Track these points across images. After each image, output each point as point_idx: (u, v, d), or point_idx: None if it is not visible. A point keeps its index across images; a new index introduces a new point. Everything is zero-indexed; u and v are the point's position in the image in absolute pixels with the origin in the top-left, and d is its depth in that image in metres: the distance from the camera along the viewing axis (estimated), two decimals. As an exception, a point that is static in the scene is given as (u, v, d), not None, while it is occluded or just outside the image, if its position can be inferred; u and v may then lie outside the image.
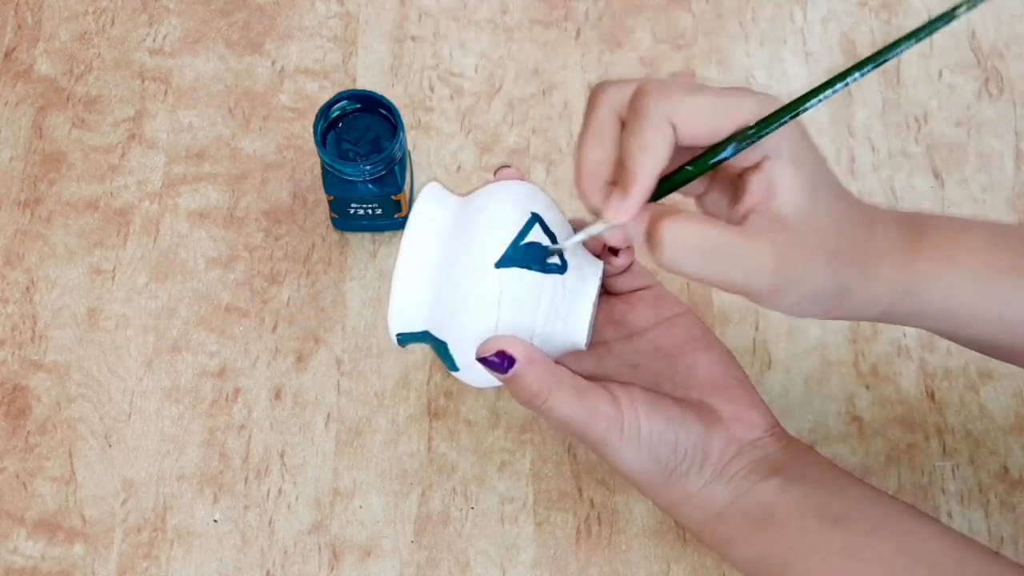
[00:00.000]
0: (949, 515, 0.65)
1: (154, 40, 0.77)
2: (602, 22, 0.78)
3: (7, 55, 0.77)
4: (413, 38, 0.78)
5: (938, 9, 0.79)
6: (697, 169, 0.48)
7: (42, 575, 0.64)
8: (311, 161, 0.74)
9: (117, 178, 0.73)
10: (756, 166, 0.47)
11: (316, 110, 0.67)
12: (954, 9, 0.45)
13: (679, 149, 0.47)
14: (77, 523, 0.65)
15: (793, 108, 0.46)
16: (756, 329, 0.70)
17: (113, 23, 0.78)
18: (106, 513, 0.65)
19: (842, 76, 0.46)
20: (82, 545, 0.64)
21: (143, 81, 0.76)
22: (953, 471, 0.67)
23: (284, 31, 0.78)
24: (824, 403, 0.68)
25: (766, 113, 0.47)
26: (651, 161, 0.46)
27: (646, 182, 0.47)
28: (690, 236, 0.46)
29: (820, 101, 0.47)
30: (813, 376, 0.69)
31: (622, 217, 0.47)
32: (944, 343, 0.69)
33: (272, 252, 0.71)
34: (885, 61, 0.47)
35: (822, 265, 0.48)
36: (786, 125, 0.47)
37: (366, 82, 0.76)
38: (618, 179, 0.48)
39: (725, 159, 0.47)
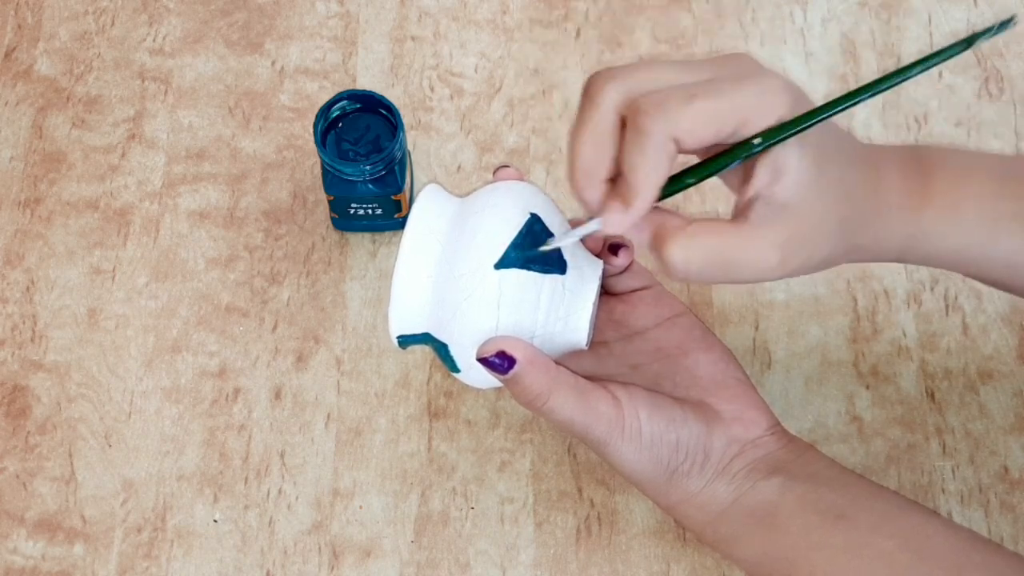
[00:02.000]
0: (949, 515, 0.65)
1: (154, 40, 0.77)
2: (602, 22, 0.78)
3: (7, 55, 0.77)
4: (413, 38, 0.78)
5: (938, 10, 0.79)
6: (698, 180, 0.48)
7: (42, 575, 0.64)
8: (311, 161, 0.74)
9: (117, 178, 0.73)
10: (763, 152, 0.47)
11: (316, 110, 0.67)
12: (975, 36, 0.46)
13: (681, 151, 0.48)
14: (77, 523, 0.65)
15: (803, 121, 0.46)
16: (756, 329, 0.70)
17: (113, 23, 0.78)
18: (106, 513, 0.65)
19: (854, 95, 0.47)
20: (82, 545, 0.64)
21: (143, 81, 0.76)
22: (953, 471, 0.67)
23: (284, 31, 0.78)
24: (824, 403, 0.68)
25: (766, 111, 0.46)
26: (653, 176, 0.46)
27: (648, 197, 0.47)
28: (698, 254, 0.47)
29: (832, 115, 0.47)
30: (813, 376, 0.69)
31: (621, 228, 0.47)
32: (944, 343, 0.69)
33: (272, 252, 0.71)
34: (894, 86, 0.47)
35: (831, 237, 0.49)
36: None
37: (366, 82, 0.76)
38: (618, 187, 0.47)
39: (729, 169, 0.48)
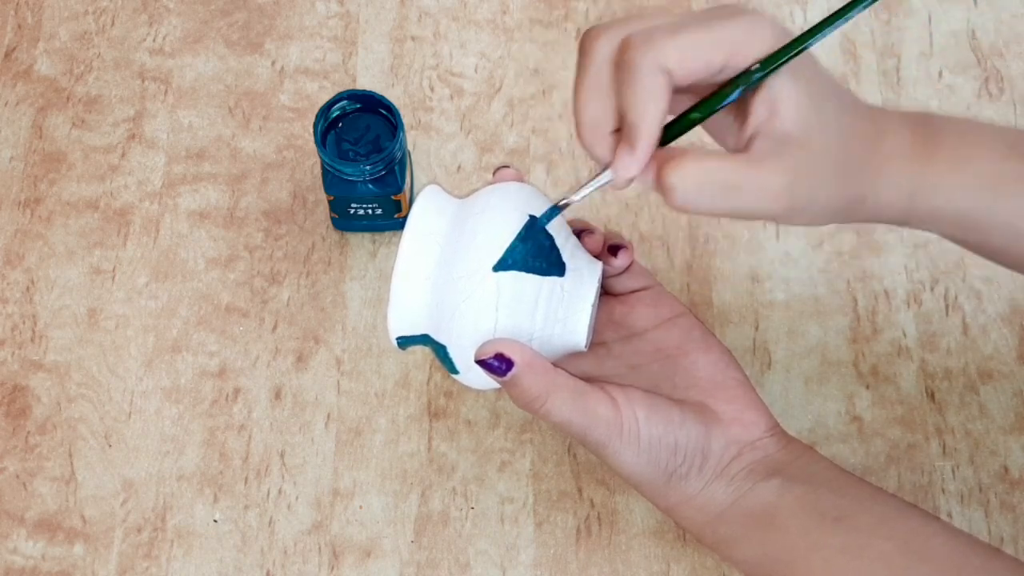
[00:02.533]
0: (949, 515, 0.65)
1: (154, 40, 0.77)
2: (602, 22, 0.78)
3: (7, 55, 0.77)
4: (413, 38, 0.78)
5: (938, 10, 0.79)
6: (703, 114, 0.48)
7: (42, 575, 0.64)
8: (311, 161, 0.74)
9: (117, 178, 0.73)
10: (758, 87, 0.47)
11: (316, 110, 0.67)
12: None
13: (679, 90, 0.47)
14: (77, 523, 0.65)
15: (798, 44, 0.47)
16: (756, 329, 0.70)
17: (113, 23, 0.78)
18: (106, 513, 0.65)
19: (845, 11, 0.48)
20: (82, 545, 0.64)
21: (143, 81, 0.76)
22: (953, 471, 0.67)
23: (284, 31, 0.78)
24: (824, 403, 0.68)
25: (755, 42, 0.47)
26: (651, 111, 0.46)
27: (650, 134, 0.46)
28: (697, 175, 0.46)
29: (825, 36, 0.47)
30: (813, 376, 0.69)
31: (633, 171, 0.47)
32: (944, 343, 0.69)
33: (272, 252, 0.71)
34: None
35: (832, 178, 0.48)
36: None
37: (366, 82, 0.76)
38: (623, 132, 0.47)
39: (731, 102, 0.47)
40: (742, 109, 0.48)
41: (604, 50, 0.47)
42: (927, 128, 0.51)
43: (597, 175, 0.49)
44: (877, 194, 0.50)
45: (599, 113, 0.48)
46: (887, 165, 0.50)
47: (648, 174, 0.47)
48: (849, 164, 0.48)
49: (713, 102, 0.48)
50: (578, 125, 0.48)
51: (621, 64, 0.47)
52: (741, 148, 0.47)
